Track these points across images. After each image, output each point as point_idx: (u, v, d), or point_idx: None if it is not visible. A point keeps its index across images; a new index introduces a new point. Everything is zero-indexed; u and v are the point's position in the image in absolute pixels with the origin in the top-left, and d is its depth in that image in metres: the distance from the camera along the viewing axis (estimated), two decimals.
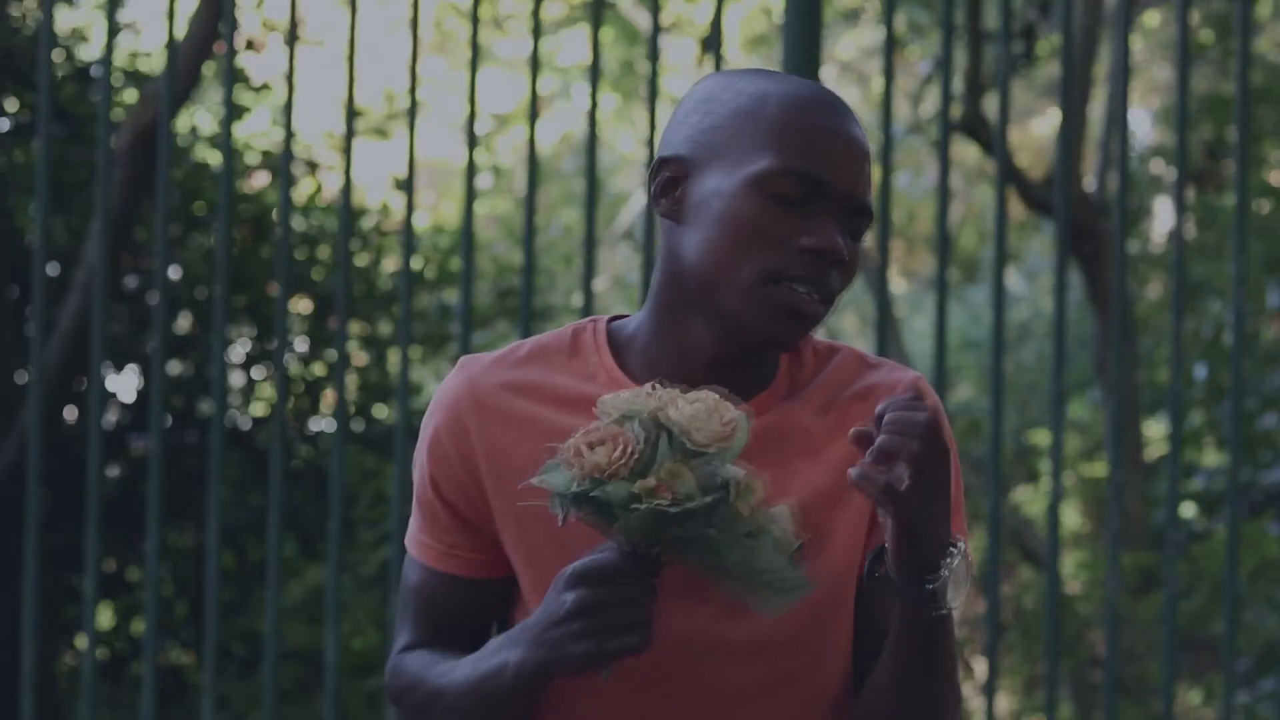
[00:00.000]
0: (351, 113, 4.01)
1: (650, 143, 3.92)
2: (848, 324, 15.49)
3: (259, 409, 7.89)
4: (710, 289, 1.96)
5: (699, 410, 1.87)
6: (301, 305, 7.91)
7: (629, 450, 1.85)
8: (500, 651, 1.93)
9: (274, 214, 7.68)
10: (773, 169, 1.95)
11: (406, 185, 4.02)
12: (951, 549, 1.85)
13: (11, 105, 7.31)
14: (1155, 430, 11.15)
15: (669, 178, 2.00)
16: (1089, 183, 10.18)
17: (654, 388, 1.89)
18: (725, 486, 1.85)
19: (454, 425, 2.00)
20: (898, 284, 15.08)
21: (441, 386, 2.04)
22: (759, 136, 1.96)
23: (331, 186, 8.22)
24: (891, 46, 3.98)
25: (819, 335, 2.11)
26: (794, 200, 1.95)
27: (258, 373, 7.89)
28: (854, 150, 1.97)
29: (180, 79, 5.63)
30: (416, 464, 2.04)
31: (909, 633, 1.90)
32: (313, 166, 8.20)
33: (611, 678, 1.90)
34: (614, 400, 1.89)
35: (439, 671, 1.99)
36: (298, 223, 7.92)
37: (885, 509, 1.83)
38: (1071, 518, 12.11)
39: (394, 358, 8.02)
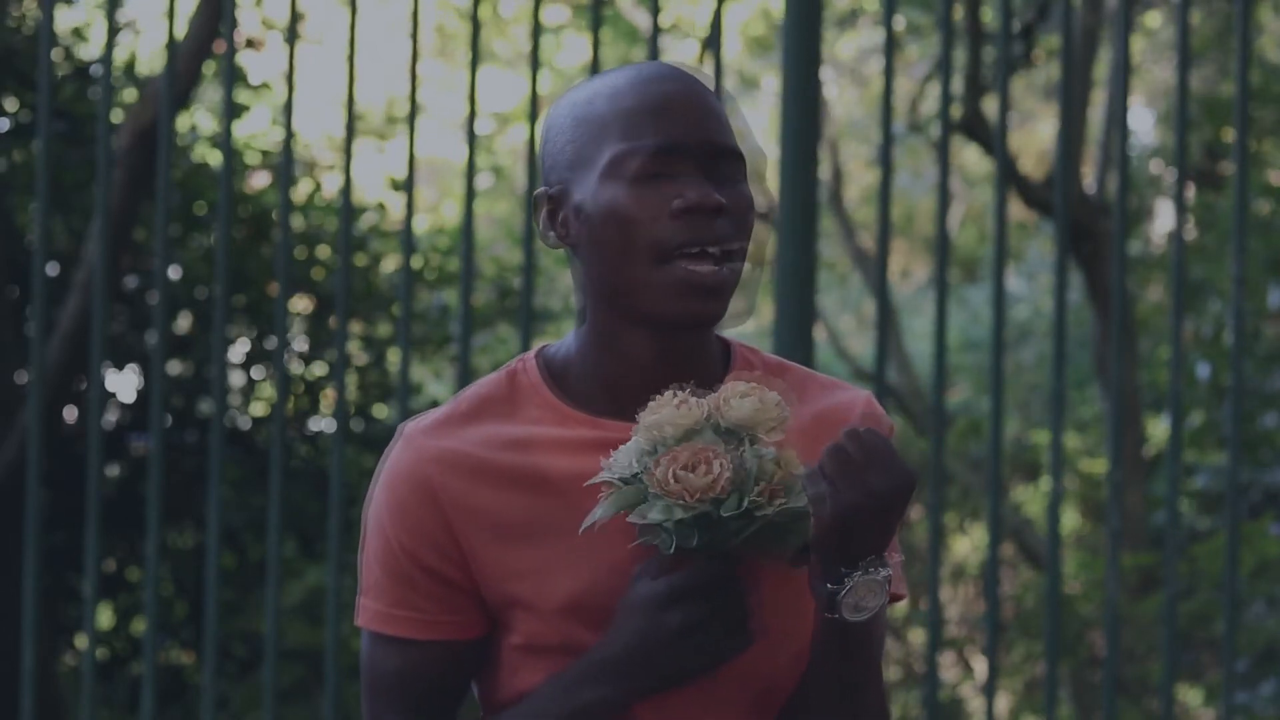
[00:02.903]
0: (351, 113, 4.02)
1: None
2: (847, 324, 15.48)
3: (259, 409, 7.89)
4: (620, 291, 1.96)
5: (750, 404, 1.88)
6: (301, 305, 7.92)
7: (725, 465, 1.85)
8: (565, 698, 1.93)
9: (274, 214, 7.68)
10: (618, 153, 1.95)
11: (406, 185, 4.02)
12: (870, 568, 1.87)
13: (11, 105, 7.32)
14: (1157, 430, 11.15)
15: (548, 211, 2.01)
16: (1089, 183, 10.18)
17: (674, 394, 1.90)
18: (789, 462, 1.88)
19: (421, 490, 1.97)
20: (897, 284, 15.08)
21: (393, 458, 2.00)
22: (599, 133, 1.98)
23: (331, 186, 8.22)
24: (891, 46, 3.98)
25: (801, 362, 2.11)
26: (652, 175, 1.95)
27: (258, 373, 7.89)
28: (692, 103, 1.98)
29: (180, 79, 5.63)
30: (376, 536, 2.01)
31: (820, 633, 1.92)
32: (312, 166, 8.20)
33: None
34: (655, 421, 1.88)
35: None
36: (298, 223, 7.92)
37: (817, 507, 1.85)
38: (1071, 518, 12.11)
39: (394, 358, 8.02)
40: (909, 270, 15.62)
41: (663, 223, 1.94)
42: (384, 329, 8.09)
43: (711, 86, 2.03)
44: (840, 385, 2.06)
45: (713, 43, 4.06)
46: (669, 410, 1.88)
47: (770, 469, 1.87)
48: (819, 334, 11.24)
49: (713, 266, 1.94)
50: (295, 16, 4.10)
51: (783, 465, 1.88)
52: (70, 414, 7.11)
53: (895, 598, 2.03)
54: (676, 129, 1.96)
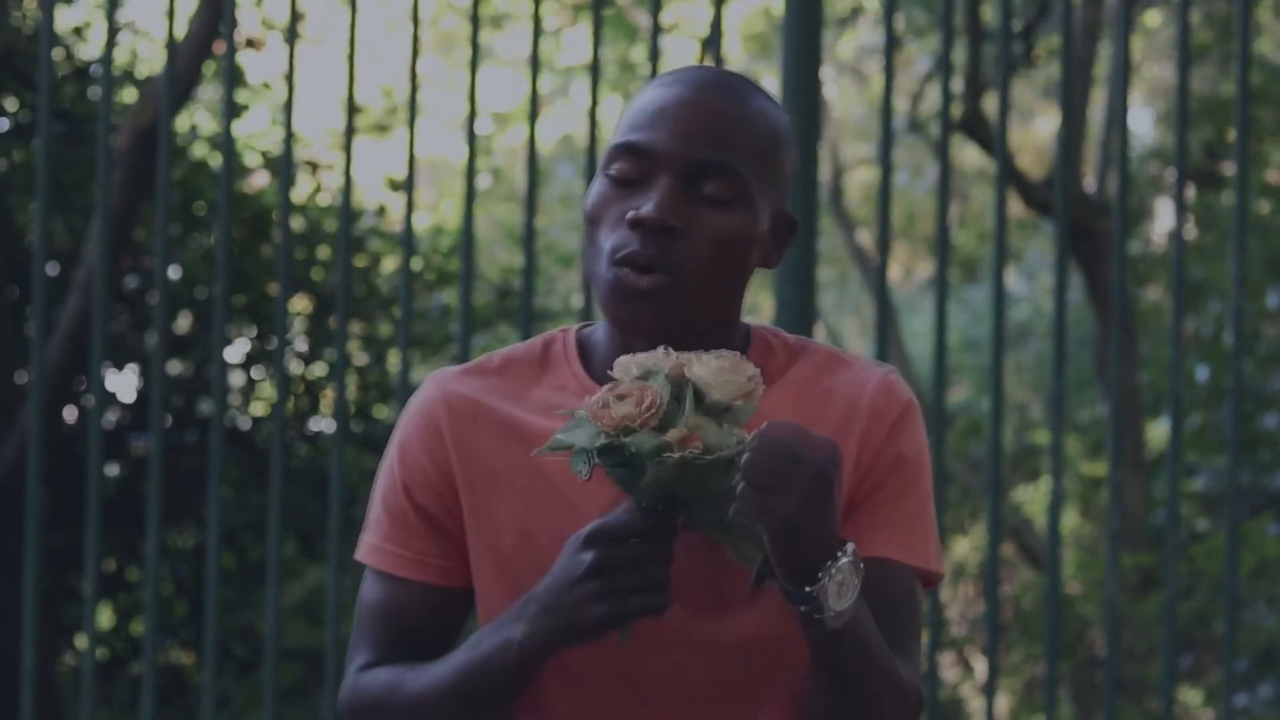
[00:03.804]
0: (351, 112, 4.02)
1: None
2: (846, 325, 15.49)
3: (259, 409, 7.89)
4: (591, 282, 1.99)
5: (721, 366, 1.88)
6: (301, 305, 7.92)
7: (656, 403, 1.84)
8: (499, 631, 1.91)
9: (274, 214, 7.68)
10: (609, 151, 1.96)
11: (407, 185, 4.02)
12: (838, 555, 1.83)
13: (11, 105, 7.32)
14: (1157, 431, 11.15)
15: None
16: (1089, 183, 10.18)
17: (667, 350, 1.89)
18: (743, 440, 1.84)
19: (427, 431, 2.01)
20: (897, 284, 15.08)
21: (413, 397, 2.04)
22: (615, 130, 1.98)
23: (331, 186, 8.22)
24: (891, 46, 3.98)
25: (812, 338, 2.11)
26: (632, 178, 1.94)
27: (258, 373, 7.89)
28: (696, 112, 1.93)
29: (180, 79, 5.63)
30: (384, 473, 2.04)
31: (811, 642, 1.88)
32: (313, 166, 8.20)
33: (582, 677, 1.93)
34: (632, 359, 1.89)
35: (414, 677, 1.98)
36: (298, 223, 7.92)
37: (756, 518, 1.82)
38: (1071, 518, 12.11)
39: (394, 358, 8.02)
40: (909, 270, 15.62)
41: (619, 229, 1.94)
42: (384, 329, 8.09)
43: (750, 96, 1.97)
44: (862, 362, 2.03)
45: (713, 43, 4.06)
46: (649, 354, 1.89)
47: (701, 425, 1.84)
48: (819, 334, 11.24)
49: (647, 276, 1.92)
50: (295, 16, 4.10)
51: (729, 433, 1.85)
52: (70, 414, 7.11)
53: (931, 574, 2.00)
54: (664, 137, 1.93)
